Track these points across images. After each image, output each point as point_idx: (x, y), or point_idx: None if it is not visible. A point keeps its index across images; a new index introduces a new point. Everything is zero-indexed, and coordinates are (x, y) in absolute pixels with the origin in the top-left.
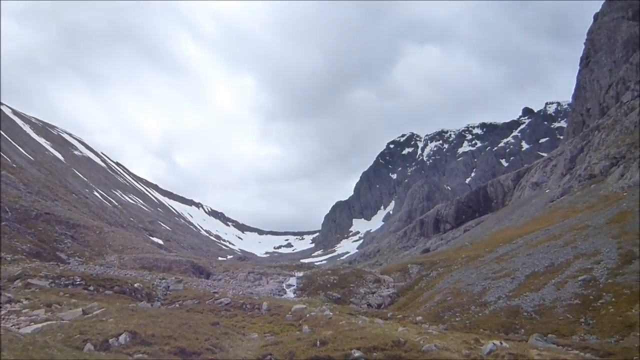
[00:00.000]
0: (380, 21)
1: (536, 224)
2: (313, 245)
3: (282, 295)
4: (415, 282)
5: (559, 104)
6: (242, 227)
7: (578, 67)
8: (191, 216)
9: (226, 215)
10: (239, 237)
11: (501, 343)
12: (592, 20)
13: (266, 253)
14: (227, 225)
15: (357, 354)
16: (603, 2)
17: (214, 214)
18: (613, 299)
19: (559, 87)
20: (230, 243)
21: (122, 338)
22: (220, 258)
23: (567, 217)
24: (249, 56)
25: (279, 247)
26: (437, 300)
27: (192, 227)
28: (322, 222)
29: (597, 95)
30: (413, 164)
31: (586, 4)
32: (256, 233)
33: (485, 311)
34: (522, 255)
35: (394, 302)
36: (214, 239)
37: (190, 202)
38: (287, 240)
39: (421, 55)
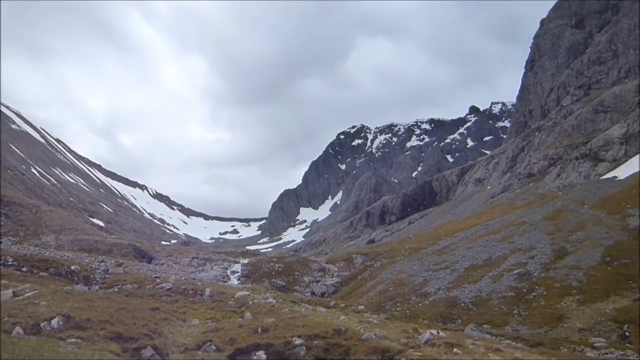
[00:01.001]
0: (334, 12)
1: (477, 219)
2: (259, 232)
3: (226, 282)
4: (359, 272)
5: (503, 104)
6: (188, 212)
7: (523, 70)
8: (135, 198)
9: (171, 198)
10: (184, 222)
11: (438, 332)
12: (538, 25)
13: (211, 239)
14: (172, 209)
15: (298, 341)
16: (550, 9)
17: (159, 197)
18: (544, 292)
19: (504, 87)
20: (174, 227)
21: (54, 322)
22: (163, 242)
23: (506, 213)
24: (202, 38)
25: (225, 233)
26: (380, 290)
27: (135, 209)
28: (269, 209)
29: (539, 97)
30: (362, 155)
31: (535, 8)
32: (202, 218)
33: (425, 301)
34: (463, 249)
35: (337, 291)
36: (158, 222)
37: (134, 184)
38: (233, 226)
39: (373, 48)
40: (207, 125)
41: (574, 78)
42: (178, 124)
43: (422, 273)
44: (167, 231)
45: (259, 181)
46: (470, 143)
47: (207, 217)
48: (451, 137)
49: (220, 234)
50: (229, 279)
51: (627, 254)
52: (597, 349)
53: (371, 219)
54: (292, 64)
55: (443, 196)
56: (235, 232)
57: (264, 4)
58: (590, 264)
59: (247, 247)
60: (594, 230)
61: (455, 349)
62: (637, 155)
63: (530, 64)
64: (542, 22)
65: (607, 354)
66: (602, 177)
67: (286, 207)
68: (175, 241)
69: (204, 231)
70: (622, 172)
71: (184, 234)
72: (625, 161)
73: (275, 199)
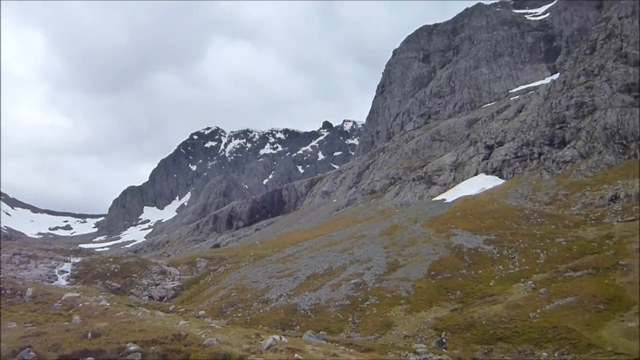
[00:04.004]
0: (193, 7)
1: (321, 229)
2: (96, 229)
3: (52, 282)
4: (202, 276)
5: (354, 122)
6: (12, 202)
7: (375, 93)
8: None
9: None
10: (7, 213)
11: (280, 338)
12: (391, 54)
13: (39, 234)
14: None
15: (132, 347)
16: (402, 40)
17: None
18: (377, 302)
19: (356, 107)
20: None
21: None
22: None
23: (348, 225)
24: (45, 13)
25: (56, 228)
26: (222, 295)
27: None
28: (109, 206)
29: (386, 120)
30: (215, 158)
31: (394, 37)
32: (29, 210)
33: (266, 308)
34: (306, 258)
35: (178, 295)
36: None
37: None
38: (66, 221)
39: (231, 50)
40: (43, 109)
41: (417, 107)
42: (6, 103)
43: (265, 280)
44: None
45: (98, 174)
46: (321, 156)
47: (35, 210)
48: (304, 148)
49: (50, 229)
50: (57, 279)
51: (448, 269)
52: (419, 354)
53: (218, 223)
54: (145, 56)
55: (291, 205)
56: (68, 228)
57: None
58: (418, 276)
59: (81, 245)
60: (423, 247)
61: (296, 354)
62: (463, 182)
63: (381, 89)
64: (395, 52)
65: (426, 358)
66: (433, 199)
67: (129, 205)
68: None
69: (31, 225)
70: (450, 195)
71: (5, 226)
72: (453, 186)
73: (118, 196)
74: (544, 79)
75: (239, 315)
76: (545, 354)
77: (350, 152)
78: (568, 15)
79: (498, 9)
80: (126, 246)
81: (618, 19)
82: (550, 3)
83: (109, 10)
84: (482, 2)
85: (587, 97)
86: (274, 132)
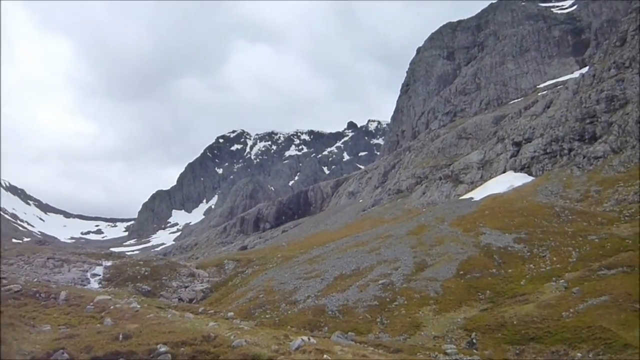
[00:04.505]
0: (214, 13)
1: (348, 230)
2: (126, 233)
3: (85, 285)
4: (230, 278)
5: (379, 122)
6: (46, 208)
7: (399, 93)
8: None
9: (27, 192)
10: (41, 219)
11: (309, 339)
12: (415, 52)
13: (72, 238)
14: (28, 204)
15: (163, 348)
16: (426, 38)
17: (12, 189)
18: (405, 302)
19: (380, 107)
20: (29, 224)
21: None
22: (14, 240)
23: (375, 226)
24: (70, 19)
25: (87, 232)
26: (250, 296)
27: None
28: (138, 210)
29: (411, 119)
30: (240, 161)
31: (415, 36)
32: (62, 216)
33: (294, 309)
34: (333, 258)
35: (207, 297)
36: (9, 217)
37: None
38: (97, 226)
39: (253, 53)
40: (70, 115)
41: (442, 105)
42: (34, 110)
43: (292, 281)
44: (20, 228)
45: (126, 179)
46: (346, 157)
47: (67, 215)
48: (329, 149)
49: (82, 233)
50: (89, 282)
51: (477, 268)
52: (449, 355)
53: (245, 226)
54: (169, 61)
55: (317, 206)
56: (99, 232)
57: None
58: (446, 276)
59: (112, 249)
60: (451, 246)
61: (325, 355)
62: (491, 180)
63: (405, 88)
64: (418, 50)
65: (456, 359)
66: (460, 197)
67: (157, 209)
68: (28, 239)
69: (64, 230)
70: (478, 194)
71: (39, 231)
72: (481, 184)
73: (146, 200)
74: (572, 73)
75: (267, 316)
76: (579, 354)
77: (376, 152)
78: (596, 6)
79: (523, 3)
80: (156, 249)
81: None
82: None
83: (132, 16)
84: None
85: (618, 91)
86: (298, 134)
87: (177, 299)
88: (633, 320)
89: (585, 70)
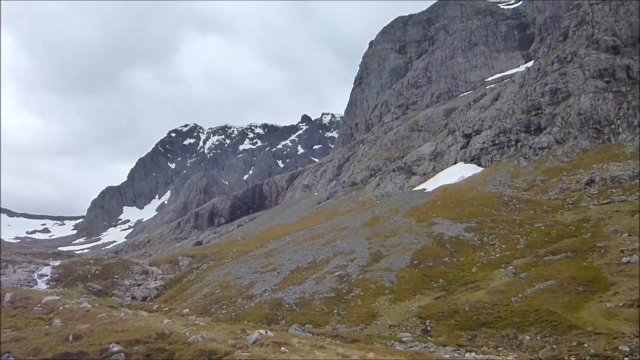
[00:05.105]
0: (164, 3)
1: (303, 223)
2: (75, 231)
3: (32, 287)
4: (185, 274)
5: (333, 115)
6: None
7: (352, 85)
8: None
9: None
10: None
11: (266, 332)
12: (367, 46)
13: (16, 238)
14: None
15: (115, 348)
16: (378, 32)
17: None
18: (361, 293)
19: (334, 100)
20: None
21: None
22: None
23: (330, 218)
24: (9, 8)
25: (34, 232)
26: (205, 292)
27: None
28: (87, 207)
29: (364, 112)
30: (193, 155)
31: (368, 29)
32: (5, 215)
33: (251, 304)
34: (289, 252)
35: (161, 294)
36: None
37: None
38: (44, 224)
39: (205, 45)
40: (14, 110)
41: (394, 98)
42: None
43: (249, 275)
44: None
45: (75, 175)
46: (300, 150)
47: (11, 214)
48: (283, 143)
49: (27, 233)
50: (36, 283)
51: (431, 257)
52: (404, 342)
53: (200, 221)
54: (118, 53)
55: (273, 200)
56: (46, 231)
57: None
58: (401, 266)
59: (60, 248)
60: (405, 236)
61: (283, 348)
62: (442, 171)
63: (359, 81)
64: (371, 44)
65: (412, 346)
66: (413, 189)
67: (107, 205)
68: None
69: (7, 229)
70: (430, 185)
71: None
72: (433, 176)
73: (96, 196)
74: (518, 66)
75: (223, 312)
76: (527, 337)
77: (330, 145)
78: (540, 3)
79: None
80: (107, 247)
81: (589, 5)
82: None
83: (79, 8)
84: None
85: (561, 84)
86: (252, 128)
87: (130, 298)
88: (577, 303)
89: (530, 64)
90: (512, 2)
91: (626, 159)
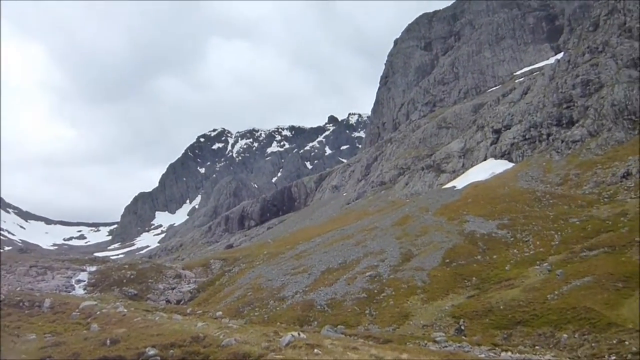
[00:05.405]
0: (188, 12)
1: (333, 224)
2: (110, 237)
3: (70, 292)
4: (217, 277)
5: (360, 115)
6: (26, 215)
7: (378, 85)
8: None
9: (6, 200)
10: (21, 227)
11: (299, 334)
12: (392, 44)
13: (54, 245)
14: (7, 212)
15: (151, 351)
16: (402, 30)
17: None
18: (393, 293)
19: (360, 100)
20: (9, 232)
21: None
22: None
23: (359, 218)
24: (41, 23)
25: (70, 238)
26: (238, 295)
27: None
28: (121, 213)
29: (391, 111)
30: (222, 159)
31: (391, 27)
32: (43, 222)
33: (283, 305)
34: (319, 253)
35: (194, 297)
36: None
37: None
38: (79, 231)
39: (230, 50)
40: (48, 121)
41: (421, 95)
42: (10, 117)
43: (280, 277)
44: (0, 237)
45: (108, 183)
46: (328, 151)
47: (49, 222)
48: (310, 144)
49: (64, 239)
50: (74, 289)
51: (463, 256)
52: (438, 342)
53: (230, 224)
54: (145, 62)
55: (302, 202)
56: (82, 237)
57: None
58: (433, 265)
59: (96, 254)
60: (436, 235)
61: (316, 350)
62: (472, 168)
63: (384, 80)
64: (396, 42)
65: (446, 346)
66: (443, 187)
67: (140, 211)
68: (9, 248)
69: (46, 237)
70: (460, 182)
71: (20, 240)
72: (463, 173)
73: (129, 203)
74: (548, 59)
75: (256, 314)
76: (565, 335)
77: (357, 145)
78: None
79: None
80: (140, 252)
81: None
82: None
83: (106, 19)
84: None
85: (592, 75)
86: (280, 130)
87: (164, 301)
88: (616, 299)
89: (560, 56)
90: None
91: None
